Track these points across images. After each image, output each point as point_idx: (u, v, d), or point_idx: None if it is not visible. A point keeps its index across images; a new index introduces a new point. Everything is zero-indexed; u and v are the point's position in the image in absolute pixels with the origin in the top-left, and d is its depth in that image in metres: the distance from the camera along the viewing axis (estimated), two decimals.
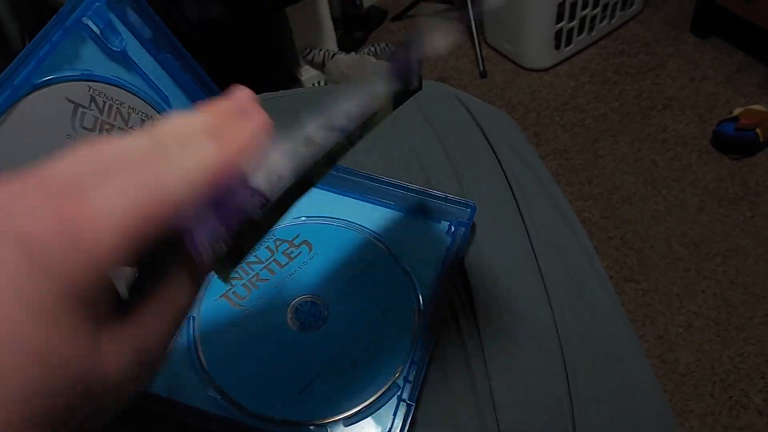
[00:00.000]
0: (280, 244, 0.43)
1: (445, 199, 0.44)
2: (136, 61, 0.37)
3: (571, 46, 1.61)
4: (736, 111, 1.39)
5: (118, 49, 0.35)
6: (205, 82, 0.40)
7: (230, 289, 0.41)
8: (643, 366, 0.41)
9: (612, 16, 1.64)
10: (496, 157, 0.49)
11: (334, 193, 0.46)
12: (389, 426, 0.36)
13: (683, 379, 1.10)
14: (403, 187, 0.45)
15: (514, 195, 0.46)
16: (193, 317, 0.39)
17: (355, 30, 1.77)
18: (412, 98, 0.53)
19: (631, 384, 0.40)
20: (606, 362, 0.40)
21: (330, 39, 1.59)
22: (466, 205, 0.44)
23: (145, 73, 0.37)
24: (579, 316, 0.41)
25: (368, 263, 0.42)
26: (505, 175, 0.48)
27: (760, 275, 1.21)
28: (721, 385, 1.09)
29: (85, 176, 0.17)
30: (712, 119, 1.45)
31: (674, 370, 1.11)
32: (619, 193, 1.36)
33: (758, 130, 1.33)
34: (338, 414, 0.36)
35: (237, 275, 0.41)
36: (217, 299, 0.40)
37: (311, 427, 0.36)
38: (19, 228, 0.15)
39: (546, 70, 1.62)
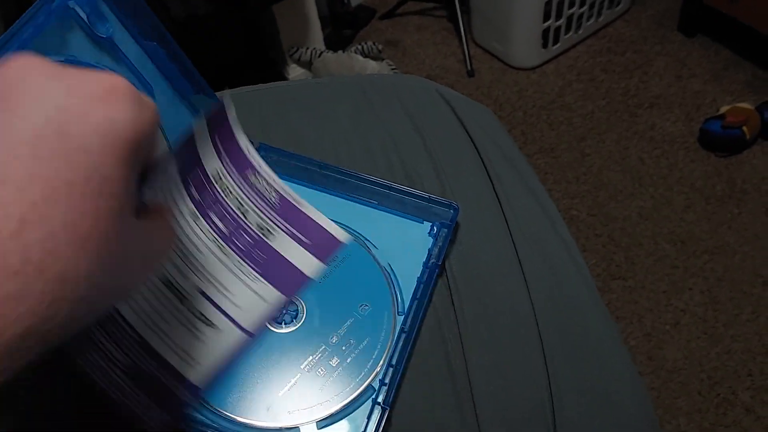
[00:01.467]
0: None
1: (429, 200, 0.44)
2: (122, 49, 0.36)
3: (558, 45, 1.61)
4: (723, 109, 1.39)
5: (105, 36, 0.34)
6: (191, 72, 0.39)
7: None
8: (621, 356, 0.40)
9: (599, 15, 1.64)
10: (477, 151, 0.48)
11: (309, 188, 0.45)
12: (363, 429, 0.35)
13: (671, 377, 1.10)
14: (385, 186, 0.44)
15: (494, 189, 0.46)
16: None
17: (342, 28, 1.76)
18: (392, 91, 0.52)
19: (610, 373, 0.39)
20: (584, 353, 0.40)
21: (317, 37, 1.59)
22: (450, 206, 0.43)
23: (130, 61, 0.36)
24: (558, 308, 0.41)
25: (345, 261, 0.42)
26: (486, 169, 0.47)
27: (747, 272, 1.21)
28: (709, 382, 1.09)
29: None
30: (698, 117, 1.45)
31: (662, 367, 1.11)
32: (606, 191, 1.36)
33: (745, 128, 1.33)
34: (312, 416, 0.36)
35: None
36: None
37: (283, 430, 0.35)
38: (116, 127, 0.22)
39: (533, 68, 1.62)
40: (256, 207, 0.36)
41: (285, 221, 0.37)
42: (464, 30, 1.64)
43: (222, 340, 0.35)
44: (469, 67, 1.63)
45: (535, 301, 0.41)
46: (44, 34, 0.31)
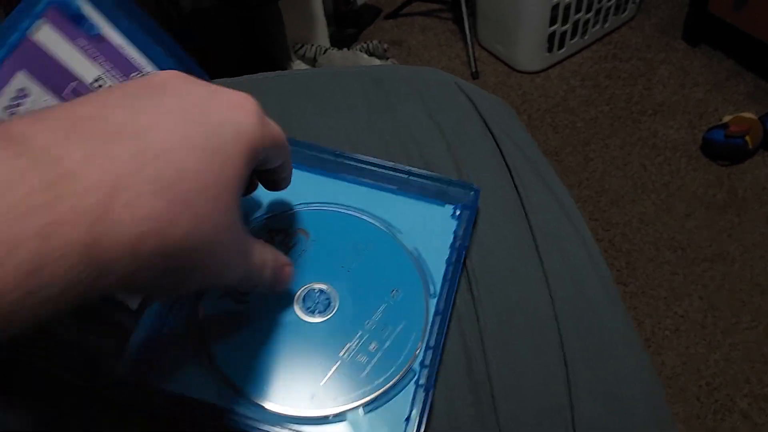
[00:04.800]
0: (275, 235, 0.42)
1: (449, 182, 0.43)
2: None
3: (563, 50, 1.61)
4: (726, 118, 1.40)
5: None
6: (175, 51, 0.39)
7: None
8: (640, 359, 0.40)
9: (605, 21, 1.65)
10: (497, 144, 0.48)
11: (326, 177, 0.45)
12: (408, 413, 0.35)
13: (669, 382, 1.10)
14: (404, 171, 0.44)
15: (514, 182, 0.46)
16: (196, 316, 0.38)
17: (347, 27, 1.76)
18: (409, 82, 0.52)
19: (628, 376, 0.39)
20: (604, 355, 0.39)
21: (322, 35, 1.58)
22: (471, 188, 0.43)
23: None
24: (577, 309, 0.41)
25: (371, 247, 0.41)
26: (505, 161, 0.47)
27: (747, 281, 1.21)
28: (707, 388, 1.09)
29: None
30: (701, 125, 1.46)
31: (660, 373, 1.11)
32: (608, 196, 1.36)
33: (748, 138, 1.34)
34: (357, 402, 0.35)
35: None
36: (219, 298, 0.39)
37: (330, 417, 0.35)
38: (237, 123, 0.26)
39: (538, 72, 1.62)
40: None
41: None
42: (469, 32, 1.64)
43: None
44: (473, 69, 1.63)
45: (555, 299, 0.40)
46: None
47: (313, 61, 1.56)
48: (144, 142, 0.22)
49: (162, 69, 0.38)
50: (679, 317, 1.18)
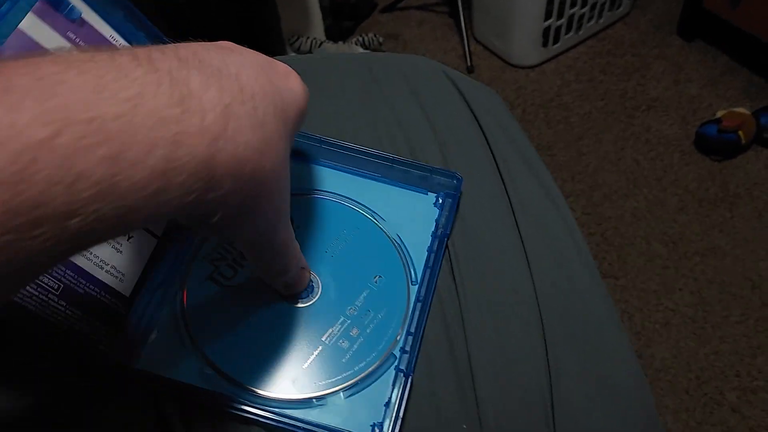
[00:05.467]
0: None
1: (432, 170, 0.44)
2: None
3: (558, 45, 1.61)
4: (720, 113, 1.41)
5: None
6: (158, 38, 0.39)
7: (215, 270, 0.39)
8: (620, 340, 0.41)
9: (600, 17, 1.65)
10: (483, 132, 0.48)
11: (310, 164, 0.45)
12: (388, 397, 0.36)
13: (659, 375, 1.11)
14: (388, 159, 0.44)
15: (498, 169, 0.46)
16: (180, 300, 0.38)
17: (343, 20, 1.76)
18: (399, 70, 0.52)
19: (609, 358, 0.40)
20: (584, 336, 0.40)
21: (318, 27, 1.59)
22: (453, 177, 0.43)
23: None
24: (559, 291, 0.41)
25: (354, 234, 0.42)
26: (490, 149, 0.47)
27: (737, 275, 1.22)
28: (696, 382, 1.10)
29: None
30: (694, 121, 1.46)
31: (650, 365, 1.12)
32: (600, 191, 1.36)
33: (740, 133, 1.35)
34: (337, 386, 0.36)
35: (220, 256, 0.40)
36: (204, 281, 0.39)
37: (314, 401, 0.35)
38: (294, 91, 0.30)
39: (533, 67, 1.62)
40: None
41: None
42: (465, 26, 1.64)
43: (138, 248, 0.38)
44: (468, 63, 1.63)
45: (537, 282, 0.41)
46: (7, 22, 0.31)
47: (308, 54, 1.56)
48: (240, 84, 0.25)
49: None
50: (669, 311, 1.18)
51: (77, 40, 0.33)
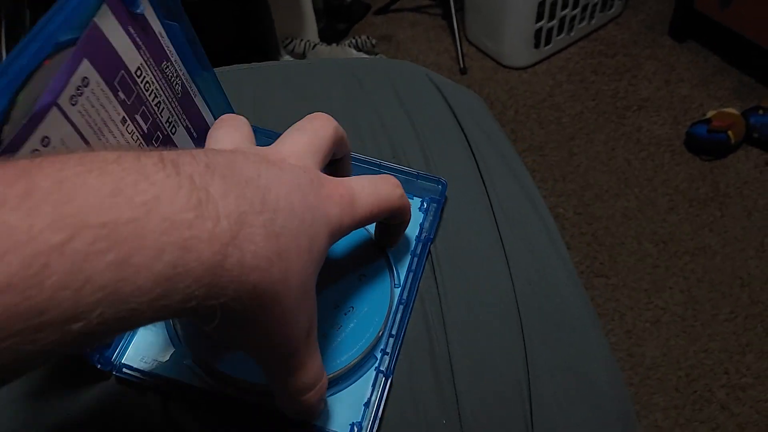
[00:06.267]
0: None
1: (417, 176, 0.45)
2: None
3: (550, 46, 1.63)
4: (710, 113, 1.42)
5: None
6: (201, 53, 0.40)
7: None
8: (597, 337, 0.42)
9: (591, 18, 1.66)
10: (464, 134, 0.49)
11: None
12: (367, 398, 0.36)
13: (649, 373, 1.12)
14: (373, 164, 0.45)
15: (479, 171, 0.47)
16: None
17: (337, 22, 1.77)
18: (383, 75, 0.53)
19: (585, 354, 0.41)
20: (561, 333, 0.41)
21: (312, 30, 1.60)
22: (438, 182, 0.44)
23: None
24: (537, 290, 0.42)
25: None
26: (472, 151, 0.48)
27: (727, 274, 1.23)
28: (686, 379, 1.11)
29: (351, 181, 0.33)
30: (685, 121, 1.47)
31: (641, 363, 1.13)
32: (592, 191, 1.38)
33: (730, 133, 1.36)
34: None
35: None
36: None
37: None
38: (327, 213, 0.29)
39: (525, 68, 1.63)
40: (167, 99, 0.36)
41: (183, 113, 0.38)
42: (458, 28, 1.66)
43: None
44: (461, 65, 1.64)
45: (515, 281, 0.42)
46: (80, 10, 0.31)
47: (302, 56, 1.57)
48: (264, 196, 0.25)
49: (185, 61, 0.39)
50: (659, 309, 1.19)
51: (135, 35, 0.33)
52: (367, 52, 1.58)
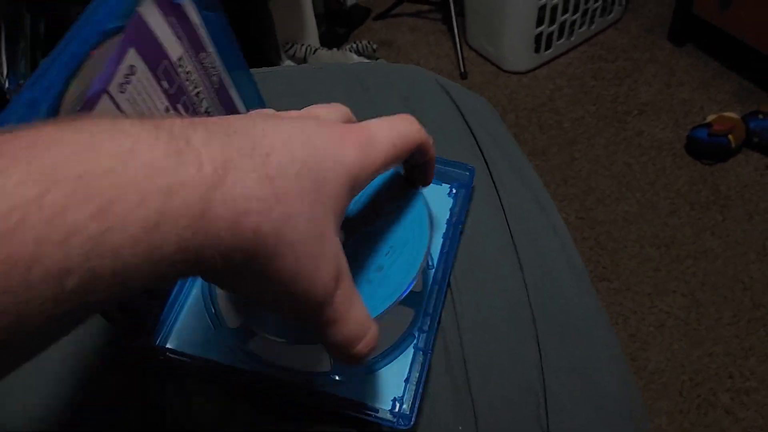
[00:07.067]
0: None
1: (446, 163, 0.45)
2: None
3: (550, 50, 1.63)
4: (710, 117, 1.42)
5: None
6: (236, 47, 0.40)
7: None
8: (609, 341, 0.42)
9: (591, 22, 1.67)
10: (474, 138, 0.49)
11: None
12: (407, 374, 0.37)
13: (653, 377, 1.12)
14: None
15: (491, 175, 0.47)
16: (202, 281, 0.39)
17: (337, 27, 1.77)
18: (390, 79, 0.53)
19: (598, 357, 0.41)
20: (574, 337, 0.41)
21: (312, 34, 1.60)
22: (466, 168, 0.45)
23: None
24: (548, 294, 0.42)
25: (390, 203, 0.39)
26: (482, 155, 0.48)
27: (729, 277, 1.23)
28: (690, 383, 1.11)
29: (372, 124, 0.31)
30: (686, 125, 1.48)
31: (645, 368, 1.13)
32: (593, 195, 1.38)
33: (730, 137, 1.36)
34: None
35: None
36: None
37: (336, 377, 0.37)
38: (343, 156, 0.28)
39: (525, 72, 1.64)
40: (205, 89, 0.37)
41: (220, 104, 0.38)
42: (458, 32, 1.66)
43: None
44: (461, 70, 1.64)
45: (528, 284, 0.42)
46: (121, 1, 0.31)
47: (303, 61, 1.57)
48: (255, 142, 0.25)
49: (222, 55, 0.39)
50: (663, 313, 1.19)
51: (176, 25, 0.33)
52: (367, 57, 1.58)
